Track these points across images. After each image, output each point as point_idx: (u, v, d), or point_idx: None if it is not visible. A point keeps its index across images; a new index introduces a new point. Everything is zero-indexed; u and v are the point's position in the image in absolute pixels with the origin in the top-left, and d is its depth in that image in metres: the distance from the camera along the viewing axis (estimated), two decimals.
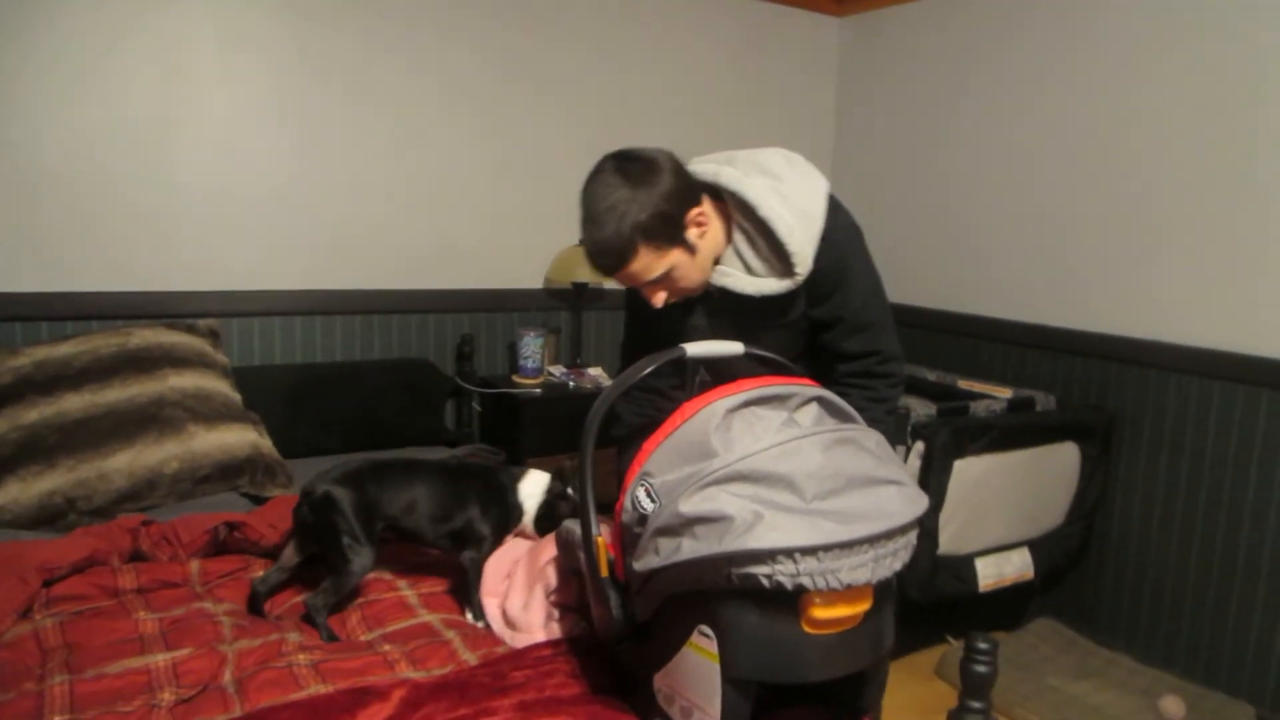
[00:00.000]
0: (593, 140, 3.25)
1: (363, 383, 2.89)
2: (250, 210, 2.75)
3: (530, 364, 3.06)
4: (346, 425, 2.84)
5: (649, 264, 1.54)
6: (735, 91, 3.59)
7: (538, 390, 2.99)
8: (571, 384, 3.07)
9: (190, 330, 2.53)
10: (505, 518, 1.81)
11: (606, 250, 1.52)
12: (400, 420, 2.93)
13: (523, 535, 1.86)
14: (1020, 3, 3.04)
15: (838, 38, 3.81)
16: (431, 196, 3.02)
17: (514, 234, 3.12)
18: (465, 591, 1.75)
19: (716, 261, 1.65)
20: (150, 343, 2.39)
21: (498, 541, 1.80)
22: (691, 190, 1.57)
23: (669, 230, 1.52)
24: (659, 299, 1.62)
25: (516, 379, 3.07)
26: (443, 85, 2.99)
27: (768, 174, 1.59)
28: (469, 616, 1.72)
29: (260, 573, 1.84)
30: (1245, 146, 2.45)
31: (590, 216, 1.51)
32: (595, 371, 3.19)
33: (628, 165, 1.52)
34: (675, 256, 1.55)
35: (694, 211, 1.56)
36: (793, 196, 1.57)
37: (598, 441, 1.36)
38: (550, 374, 3.13)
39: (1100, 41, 2.80)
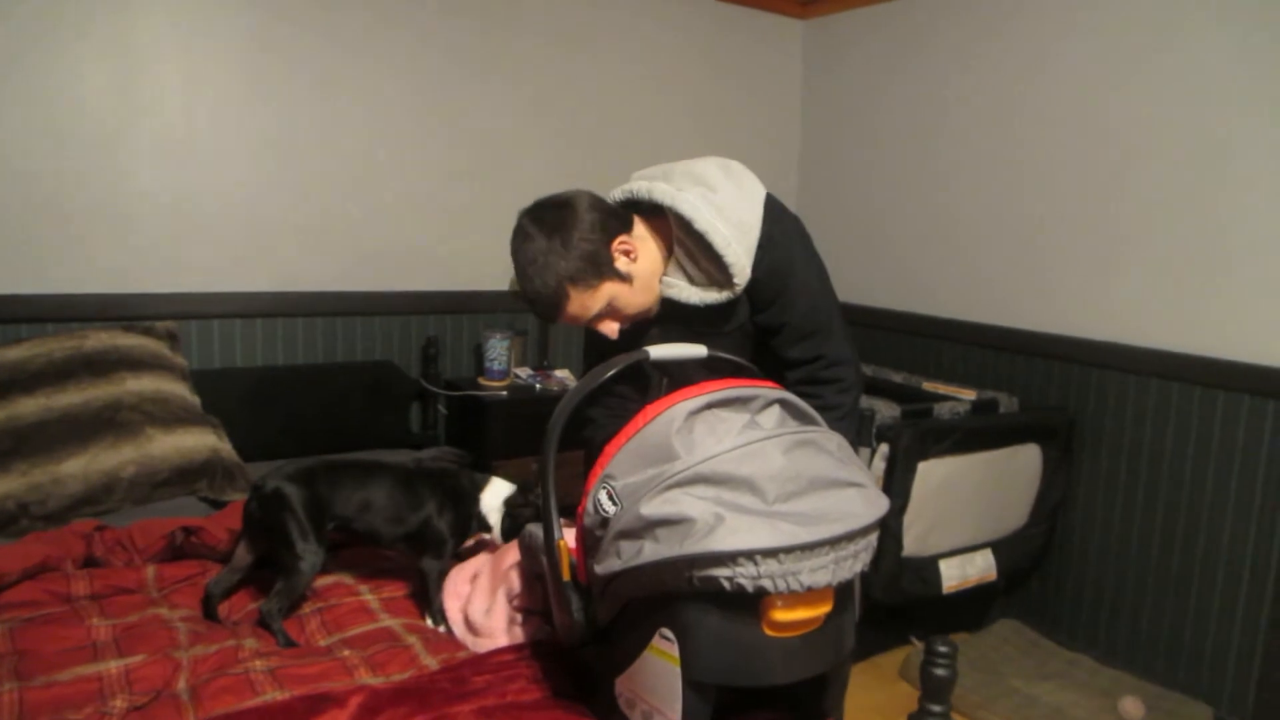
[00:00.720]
0: (558, 141, 3.27)
1: (326, 385, 2.87)
2: (210, 211, 2.71)
3: (496, 366, 3.04)
4: (309, 428, 2.81)
5: (585, 303, 1.58)
6: (701, 93, 3.60)
7: (504, 393, 2.98)
8: (538, 386, 3.06)
9: (148, 333, 2.49)
10: (464, 522, 1.77)
11: (540, 302, 1.58)
12: (364, 423, 2.90)
13: (488, 547, 1.84)
14: (983, 6, 3.07)
15: (802, 40, 3.83)
16: (396, 197, 3.00)
17: (479, 235, 3.11)
18: (425, 597, 1.73)
19: (665, 275, 1.67)
20: (106, 345, 2.35)
21: (457, 546, 1.76)
22: (612, 221, 1.59)
23: (595, 267, 1.55)
24: (611, 329, 1.64)
25: (482, 381, 3.05)
26: (406, 87, 2.97)
27: (702, 184, 1.60)
28: (429, 621, 1.70)
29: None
30: (1207, 153, 2.49)
31: (519, 273, 1.57)
32: (562, 373, 3.18)
33: (541, 214, 1.57)
34: (610, 288, 1.58)
35: (617, 241, 1.58)
36: (728, 207, 1.58)
37: (563, 443, 1.36)
38: (517, 376, 3.12)
39: (1064, 46, 2.83)
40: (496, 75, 3.12)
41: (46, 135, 2.46)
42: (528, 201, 1.64)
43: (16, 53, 2.39)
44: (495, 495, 1.79)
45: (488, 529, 1.78)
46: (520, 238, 1.57)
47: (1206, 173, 2.49)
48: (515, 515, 1.75)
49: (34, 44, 2.41)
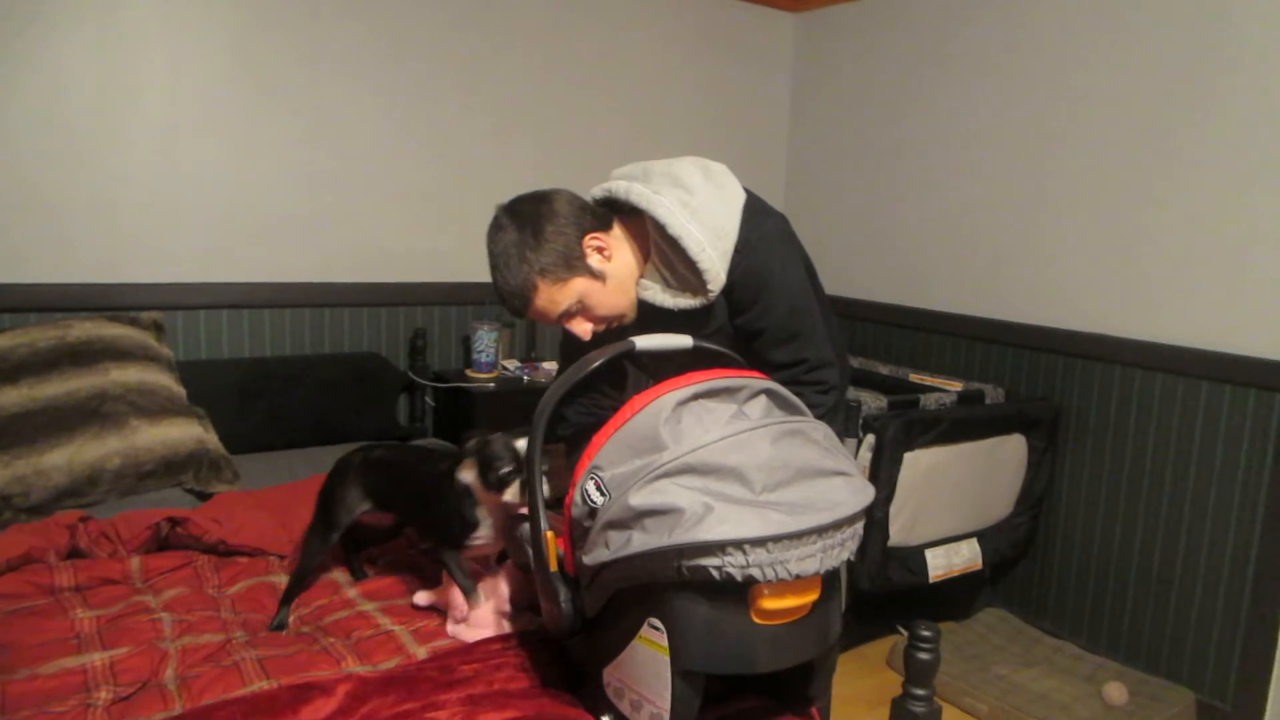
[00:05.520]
0: (546, 135, 3.26)
1: (313, 377, 2.85)
2: (196, 201, 2.69)
3: (484, 358, 3.03)
4: (296, 420, 2.80)
5: (552, 297, 1.56)
6: (690, 87, 3.59)
7: (491, 384, 2.97)
8: (526, 378, 3.06)
9: (133, 323, 2.47)
10: (455, 508, 1.62)
11: (509, 294, 1.57)
12: (352, 415, 2.89)
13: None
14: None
15: (793, 33, 3.83)
16: (383, 188, 2.99)
17: (467, 227, 3.08)
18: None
19: (643, 277, 1.65)
20: (91, 335, 2.33)
21: (459, 534, 1.63)
22: (587, 218, 1.58)
23: (565, 261, 1.54)
24: (583, 330, 1.62)
25: (470, 373, 3.05)
26: (394, 80, 2.95)
27: (680, 187, 1.58)
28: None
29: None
30: (1191, 147, 2.50)
31: (492, 265, 1.57)
32: (550, 365, 3.18)
33: (518, 208, 1.57)
34: (580, 285, 1.57)
35: (589, 237, 1.56)
36: (703, 210, 1.55)
37: (548, 436, 1.36)
38: (504, 368, 3.12)
39: (1047, 34, 2.84)
40: (484, 67, 3.11)
41: (30, 123, 2.44)
42: (514, 191, 1.64)
43: (0, 41, 2.37)
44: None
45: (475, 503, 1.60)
46: (494, 230, 1.57)
47: (1191, 166, 2.50)
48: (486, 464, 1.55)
49: (19, 32, 2.39)
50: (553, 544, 1.34)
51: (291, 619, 1.71)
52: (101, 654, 1.49)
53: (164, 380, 2.39)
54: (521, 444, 1.51)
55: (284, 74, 2.76)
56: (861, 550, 2.53)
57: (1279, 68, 2.31)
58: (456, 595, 1.62)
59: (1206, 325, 2.50)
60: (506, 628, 1.58)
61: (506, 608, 1.60)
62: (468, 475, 1.59)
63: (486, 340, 3.02)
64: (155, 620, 1.63)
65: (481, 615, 1.60)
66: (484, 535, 1.61)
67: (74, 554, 1.88)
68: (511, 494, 1.52)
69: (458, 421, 2.99)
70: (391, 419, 3.02)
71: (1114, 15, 2.66)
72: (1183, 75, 2.51)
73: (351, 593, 1.79)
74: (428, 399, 3.11)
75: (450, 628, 1.63)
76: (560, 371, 1.97)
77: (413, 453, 1.83)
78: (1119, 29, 2.65)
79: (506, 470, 1.50)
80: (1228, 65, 2.41)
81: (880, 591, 2.61)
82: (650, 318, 1.65)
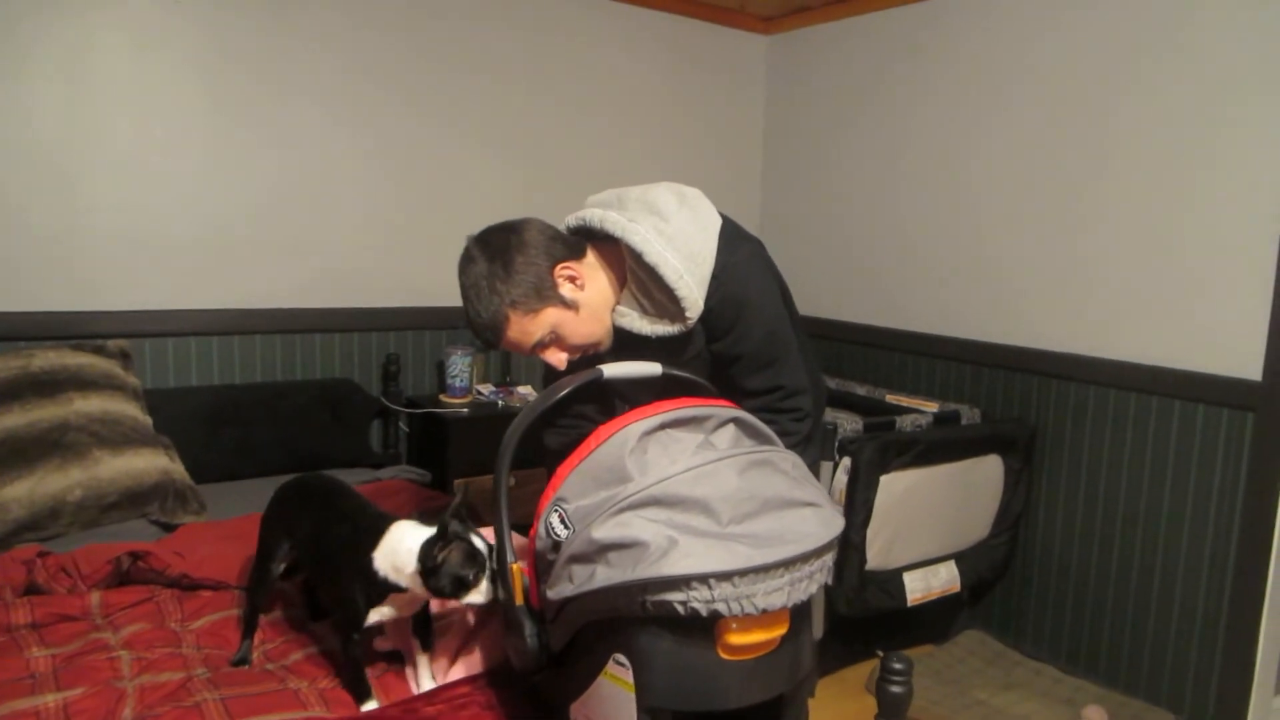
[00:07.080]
0: (519, 160, 3.25)
1: (284, 404, 2.81)
2: (164, 227, 2.65)
3: (458, 383, 3.00)
4: (267, 448, 2.75)
5: (525, 328, 1.55)
6: (664, 110, 3.59)
7: (465, 410, 2.94)
8: (500, 403, 3.03)
9: (99, 351, 2.43)
10: (360, 584, 1.46)
11: (481, 326, 1.55)
12: (324, 442, 2.85)
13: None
14: (943, 18, 3.10)
15: (765, 55, 3.84)
16: (355, 213, 2.96)
17: (440, 251, 3.07)
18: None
19: (620, 304, 1.64)
20: (54, 364, 2.29)
21: (355, 616, 1.47)
22: (558, 247, 1.57)
23: (537, 292, 1.53)
24: (557, 359, 1.60)
25: (444, 398, 3.02)
26: (364, 104, 2.93)
27: (656, 214, 1.57)
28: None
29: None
30: (1164, 171, 2.52)
31: (463, 298, 1.56)
32: (524, 390, 3.16)
33: (488, 239, 1.56)
34: (553, 315, 1.55)
35: (560, 267, 1.55)
36: (680, 237, 1.54)
37: (522, 462, 1.34)
38: (479, 393, 3.09)
39: (1027, 63, 2.86)
40: (456, 92, 3.10)
41: None
42: (490, 217, 1.62)
43: None
44: (397, 547, 1.43)
45: (394, 589, 1.43)
46: (465, 261, 1.55)
47: (1162, 190, 2.52)
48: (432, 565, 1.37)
49: None
50: (519, 576, 1.32)
51: (255, 655, 1.67)
52: (55, 695, 1.45)
53: (129, 410, 2.34)
54: (478, 542, 1.38)
55: (252, 100, 2.74)
56: (839, 574, 2.51)
57: (1226, 74, 2.33)
58: (422, 672, 1.55)
59: (1178, 345, 2.50)
60: (478, 664, 1.54)
61: (476, 657, 1.55)
62: (385, 564, 1.42)
63: (460, 365, 3.00)
64: (114, 658, 1.59)
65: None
66: (386, 617, 1.49)
67: (31, 590, 1.84)
68: (478, 594, 1.37)
69: (432, 447, 2.95)
70: (364, 445, 2.98)
71: (1091, 43, 2.68)
72: (1153, 105, 2.52)
73: (312, 630, 1.75)
74: (401, 425, 3.08)
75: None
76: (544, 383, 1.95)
77: (342, 502, 1.64)
78: (1094, 58, 2.67)
79: (474, 574, 1.36)
80: (1184, 80, 2.43)
81: (858, 616, 2.59)
82: (628, 344, 1.63)
